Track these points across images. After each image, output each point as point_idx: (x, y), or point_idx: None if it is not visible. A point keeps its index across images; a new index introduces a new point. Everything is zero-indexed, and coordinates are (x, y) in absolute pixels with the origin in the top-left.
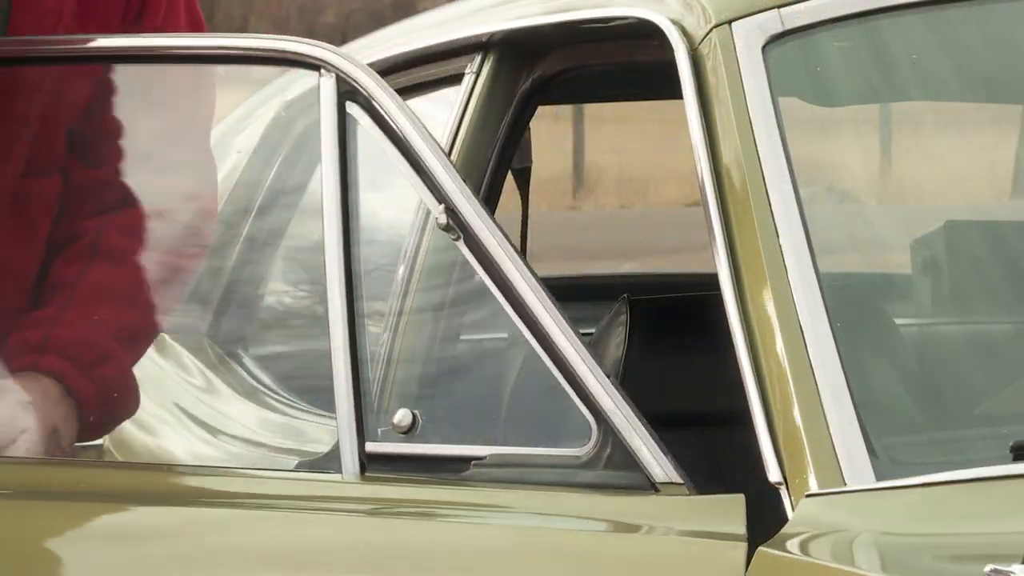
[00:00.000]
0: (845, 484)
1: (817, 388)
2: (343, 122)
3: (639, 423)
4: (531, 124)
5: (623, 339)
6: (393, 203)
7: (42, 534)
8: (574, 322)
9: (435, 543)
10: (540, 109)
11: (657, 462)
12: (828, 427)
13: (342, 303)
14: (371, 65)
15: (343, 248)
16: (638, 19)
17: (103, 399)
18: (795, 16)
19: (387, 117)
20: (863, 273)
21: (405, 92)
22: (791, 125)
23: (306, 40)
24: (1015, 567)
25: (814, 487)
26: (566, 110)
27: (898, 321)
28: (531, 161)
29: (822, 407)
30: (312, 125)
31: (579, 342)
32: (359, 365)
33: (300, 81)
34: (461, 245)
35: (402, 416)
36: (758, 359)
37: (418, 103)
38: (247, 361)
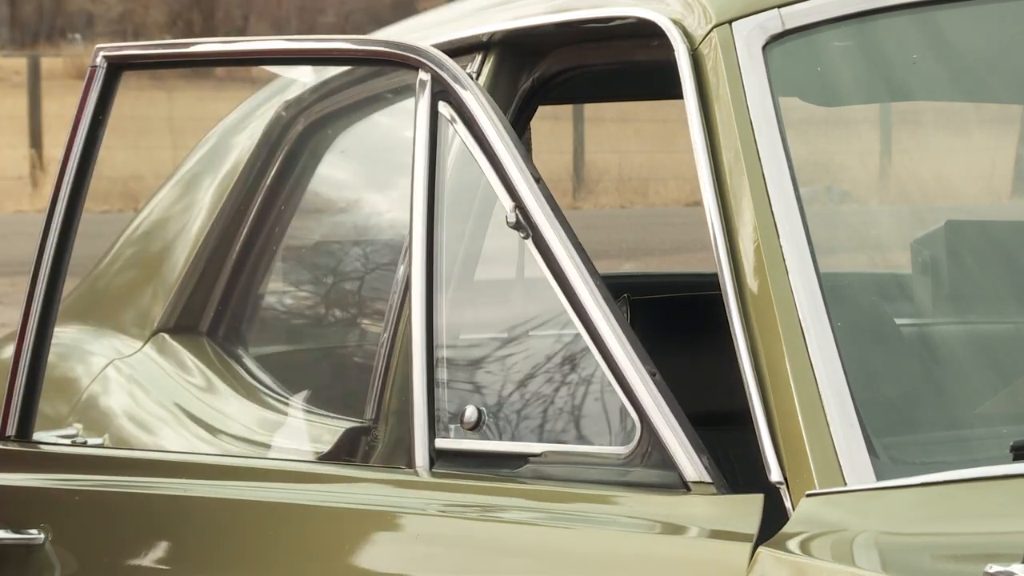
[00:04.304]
0: (845, 484)
1: (817, 388)
2: (435, 120)
3: (676, 423)
4: (531, 124)
5: None
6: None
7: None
8: None
9: (502, 542)
10: (540, 109)
11: (690, 461)
12: (828, 427)
13: (423, 303)
14: None
15: (427, 246)
16: (638, 19)
17: None
18: (795, 16)
19: (474, 117)
20: (863, 273)
21: (405, 92)
22: (791, 125)
23: (405, 43)
24: (1015, 567)
25: (814, 486)
26: (566, 110)
27: (898, 321)
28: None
29: (822, 407)
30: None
31: (628, 344)
32: (434, 363)
33: (299, 83)
34: (529, 243)
35: (470, 413)
36: (758, 359)
37: None
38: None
